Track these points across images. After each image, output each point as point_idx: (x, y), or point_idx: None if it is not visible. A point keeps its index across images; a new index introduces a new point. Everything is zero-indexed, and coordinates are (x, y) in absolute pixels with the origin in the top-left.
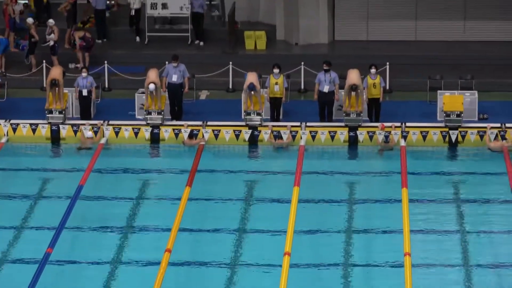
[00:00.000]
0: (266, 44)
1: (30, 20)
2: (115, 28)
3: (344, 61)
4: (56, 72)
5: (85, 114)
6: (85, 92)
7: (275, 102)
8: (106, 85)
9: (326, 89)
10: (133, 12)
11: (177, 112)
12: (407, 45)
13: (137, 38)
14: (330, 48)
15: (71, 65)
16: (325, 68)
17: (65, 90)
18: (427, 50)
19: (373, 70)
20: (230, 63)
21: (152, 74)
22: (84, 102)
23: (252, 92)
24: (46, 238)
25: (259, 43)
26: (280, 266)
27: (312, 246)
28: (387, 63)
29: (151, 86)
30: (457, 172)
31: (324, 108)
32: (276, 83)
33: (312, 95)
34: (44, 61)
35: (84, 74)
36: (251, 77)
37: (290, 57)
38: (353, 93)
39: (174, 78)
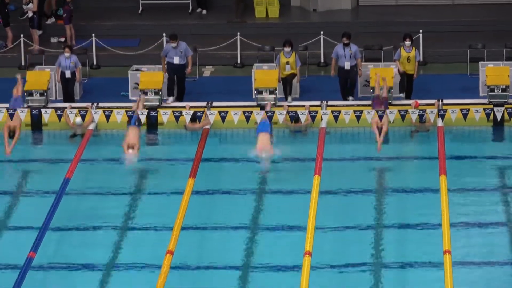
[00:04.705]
0: (279, 11)
1: None
2: None
3: (370, 29)
4: (16, 122)
5: (68, 99)
6: (68, 74)
7: (286, 83)
8: (94, 62)
9: (347, 65)
10: None
11: (179, 92)
12: (444, 10)
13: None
14: (354, 14)
15: (54, 39)
16: (345, 42)
17: (47, 69)
18: (467, 14)
19: (408, 42)
20: (238, 34)
21: (131, 136)
22: (67, 85)
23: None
24: (28, 240)
25: (271, 10)
26: (300, 267)
27: (336, 244)
28: (420, 31)
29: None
30: (503, 155)
31: (347, 84)
32: (287, 63)
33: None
34: (22, 35)
35: (67, 54)
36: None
37: (307, 26)
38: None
39: (176, 60)
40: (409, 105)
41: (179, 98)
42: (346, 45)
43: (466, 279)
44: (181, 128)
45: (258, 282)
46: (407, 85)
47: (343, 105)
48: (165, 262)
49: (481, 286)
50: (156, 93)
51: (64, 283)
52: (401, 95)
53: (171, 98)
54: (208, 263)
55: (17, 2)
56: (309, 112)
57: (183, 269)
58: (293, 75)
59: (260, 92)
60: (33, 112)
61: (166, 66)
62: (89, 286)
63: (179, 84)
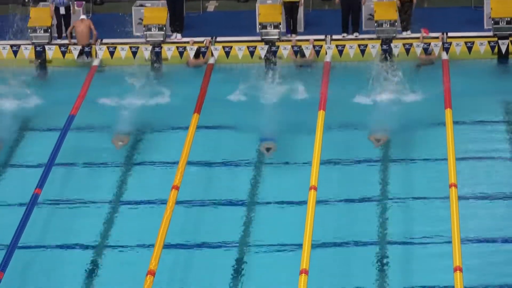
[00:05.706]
0: None
1: None
2: None
3: None
4: None
5: (60, 34)
6: (62, 10)
7: (289, 8)
8: None
9: None
10: None
11: (178, 24)
12: None
13: None
14: None
15: None
16: None
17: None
18: None
19: None
20: None
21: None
22: (62, 21)
23: None
24: (33, 177)
25: None
26: (305, 202)
27: (341, 178)
28: None
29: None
30: (509, 88)
31: (349, 14)
32: None
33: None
34: None
35: None
36: None
37: None
38: None
39: None
40: (418, 38)
41: (178, 29)
42: None
43: (471, 212)
44: (185, 64)
45: (264, 217)
46: (407, 12)
47: (348, 39)
48: (170, 197)
49: (486, 219)
50: (160, 29)
51: (69, 219)
52: (404, 33)
53: (175, 34)
54: (214, 198)
55: None
56: (314, 46)
57: (188, 204)
58: (296, 5)
59: (264, 27)
60: (37, 49)
61: None
62: (95, 221)
63: (177, 14)
